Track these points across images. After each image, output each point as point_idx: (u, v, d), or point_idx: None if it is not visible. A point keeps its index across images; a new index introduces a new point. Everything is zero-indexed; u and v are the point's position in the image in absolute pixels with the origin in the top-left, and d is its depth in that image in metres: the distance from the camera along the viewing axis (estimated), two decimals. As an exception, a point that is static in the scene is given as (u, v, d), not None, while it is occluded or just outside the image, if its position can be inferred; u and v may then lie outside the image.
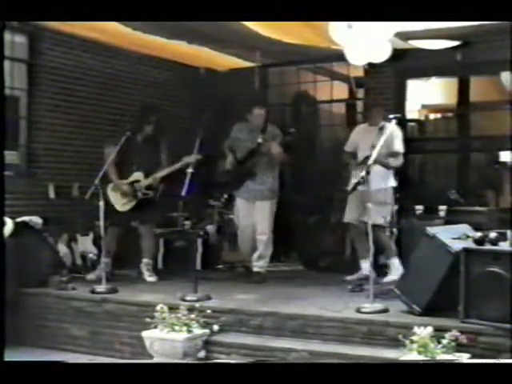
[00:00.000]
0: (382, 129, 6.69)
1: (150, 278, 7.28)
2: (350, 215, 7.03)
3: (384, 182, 6.90)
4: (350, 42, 6.19)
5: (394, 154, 6.92)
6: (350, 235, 7.47)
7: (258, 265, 7.33)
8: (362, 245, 6.92)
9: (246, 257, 7.56)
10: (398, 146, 6.94)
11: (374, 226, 6.79)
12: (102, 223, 6.69)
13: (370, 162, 5.77)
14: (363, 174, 5.77)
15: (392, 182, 7.05)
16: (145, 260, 7.34)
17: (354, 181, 6.06)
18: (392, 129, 6.77)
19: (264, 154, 7.21)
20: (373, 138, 6.50)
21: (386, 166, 6.81)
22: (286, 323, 5.61)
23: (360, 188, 6.03)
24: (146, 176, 6.98)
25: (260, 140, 7.17)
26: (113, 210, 7.10)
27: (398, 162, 6.97)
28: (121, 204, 7.10)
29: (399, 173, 7.21)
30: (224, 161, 7.68)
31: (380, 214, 6.80)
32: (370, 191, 5.97)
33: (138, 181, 6.91)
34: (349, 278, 7.06)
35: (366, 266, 6.91)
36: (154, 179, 7.04)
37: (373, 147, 6.32)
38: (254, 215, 7.35)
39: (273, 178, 7.42)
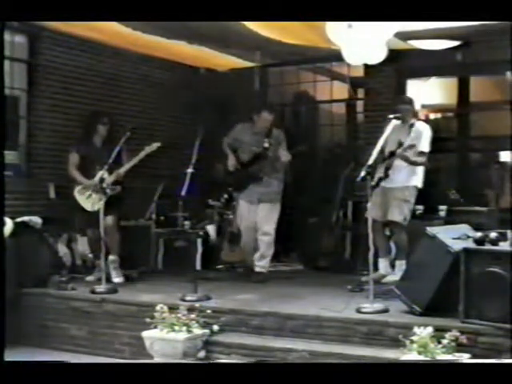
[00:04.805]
0: (411, 127, 6.70)
1: (116, 278, 7.13)
2: (373, 212, 6.32)
3: (408, 179, 6.77)
4: (347, 42, 6.19)
5: (419, 153, 6.67)
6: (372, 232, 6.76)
7: (260, 265, 7.33)
8: (382, 243, 6.87)
9: (247, 257, 7.54)
10: (424, 146, 6.70)
11: (394, 224, 6.82)
12: (101, 223, 6.69)
13: (370, 161, 5.75)
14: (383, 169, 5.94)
15: (416, 181, 6.83)
16: (111, 257, 7.16)
17: (377, 176, 6.05)
18: (421, 128, 6.78)
19: (270, 158, 7.21)
20: (400, 135, 6.51)
21: (405, 159, 6.56)
22: (286, 323, 5.61)
23: (383, 184, 6.14)
24: (110, 173, 6.99)
25: (266, 145, 7.16)
26: (84, 212, 7.12)
27: (417, 159, 6.66)
28: (90, 204, 7.09)
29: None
30: (222, 160, 7.70)
31: (401, 211, 6.75)
32: (391, 187, 6.26)
33: (103, 179, 6.92)
34: (364, 278, 6.53)
35: (384, 265, 6.89)
36: (118, 174, 7.06)
37: (399, 144, 6.37)
38: (256, 216, 7.34)
39: (278, 180, 7.42)
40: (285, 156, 7.15)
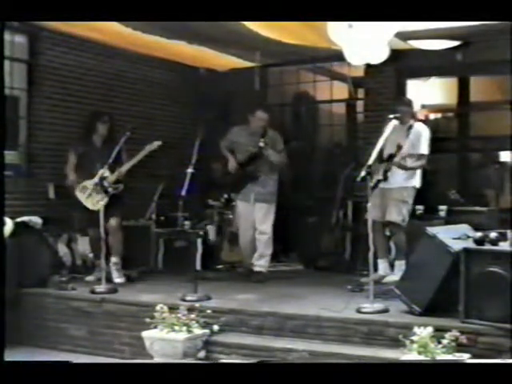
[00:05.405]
0: (409, 128, 6.71)
1: (118, 279, 7.11)
2: (373, 213, 6.22)
3: (406, 180, 6.78)
4: (348, 42, 6.19)
5: (418, 156, 6.64)
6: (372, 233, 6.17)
7: (259, 264, 7.34)
8: (381, 243, 6.86)
9: (247, 258, 7.54)
10: (424, 148, 6.69)
11: (392, 224, 6.82)
12: (101, 223, 6.69)
13: (370, 162, 5.75)
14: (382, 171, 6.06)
15: (415, 182, 6.84)
16: (113, 259, 7.16)
17: (376, 178, 6.05)
18: (420, 130, 6.77)
19: (266, 157, 7.22)
20: (399, 137, 6.52)
21: (404, 168, 6.60)
22: (286, 323, 5.61)
23: (381, 185, 6.18)
24: (112, 172, 6.98)
25: (261, 144, 7.17)
26: (85, 212, 7.09)
27: (417, 163, 6.63)
28: (91, 203, 7.05)
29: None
30: (219, 160, 7.67)
31: (399, 212, 6.74)
32: (389, 188, 6.35)
33: (104, 178, 6.90)
34: (364, 279, 6.57)
35: (383, 266, 6.89)
36: (120, 173, 7.04)
37: (398, 147, 6.40)
38: (253, 216, 7.36)
39: (273, 180, 7.44)
40: (273, 156, 7.20)
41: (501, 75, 8.40)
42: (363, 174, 5.67)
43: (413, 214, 7.23)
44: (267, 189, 7.36)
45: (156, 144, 7.11)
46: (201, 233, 6.77)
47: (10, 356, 4.87)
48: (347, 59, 6.50)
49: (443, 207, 7.94)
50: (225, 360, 5.44)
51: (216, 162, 8.38)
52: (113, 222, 7.03)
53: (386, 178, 6.42)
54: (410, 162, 6.57)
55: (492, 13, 4.62)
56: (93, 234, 7.13)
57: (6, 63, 6.98)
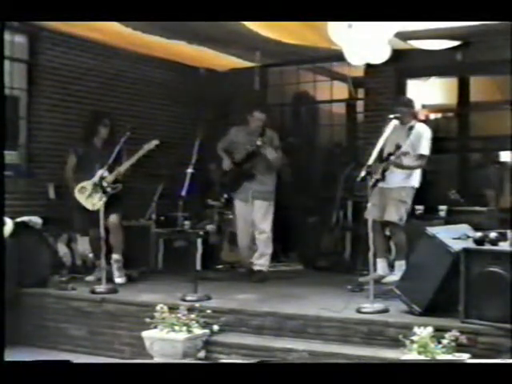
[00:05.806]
0: (410, 129, 6.70)
1: (118, 278, 7.09)
2: (372, 212, 6.13)
3: (405, 180, 6.79)
4: (347, 42, 6.20)
5: (418, 156, 6.69)
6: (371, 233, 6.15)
7: (260, 263, 7.35)
8: (380, 243, 6.85)
9: (245, 258, 7.55)
10: (424, 148, 6.70)
11: (391, 224, 6.83)
12: (101, 223, 6.68)
13: (370, 162, 5.75)
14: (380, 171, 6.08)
15: (413, 182, 6.84)
16: (115, 256, 7.12)
17: (375, 177, 6.09)
18: (421, 130, 6.77)
19: (263, 156, 7.24)
20: (399, 137, 6.53)
21: (399, 167, 6.63)
22: (286, 323, 5.60)
23: (380, 185, 6.18)
24: (110, 172, 6.98)
25: (259, 143, 7.19)
26: (85, 212, 7.07)
27: (415, 163, 6.71)
28: (91, 204, 7.03)
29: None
30: (215, 160, 7.69)
31: (397, 211, 6.75)
32: (388, 188, 6.41)
33: (103, 178, 6.91)
34: (362, 279, 6.66)
35: (382, 266, 6.89)
36: (119, 172, 7.04)
37: (397, 147, 6.44)
38: (252, 215, 7.37)
39: (271, 179, 7.46)
40: (270, 153, 7.20)
41: (501, 75, 8.40)
42: (363, 173, 5.68)
43: (413, 214, 7.23)
44: (265, 187, 7.38)
45: (154, 143, 7.11)
46: (201, 233, 6.77)
47: (10, 356, 4.86)
48: (347, 59, 6.51)
49: (443, 207, 7.94)
50: (225, 360, 5.44)
51: (213, 163, 8.38)
52: (113, 219, 7.02)
53: (383, 178, 6.41)
54: (405, 161, 6.59)
55: (492, 13, 4.62)
56: (93, 234, 7.13)
57: (6, 63, 6.99)
